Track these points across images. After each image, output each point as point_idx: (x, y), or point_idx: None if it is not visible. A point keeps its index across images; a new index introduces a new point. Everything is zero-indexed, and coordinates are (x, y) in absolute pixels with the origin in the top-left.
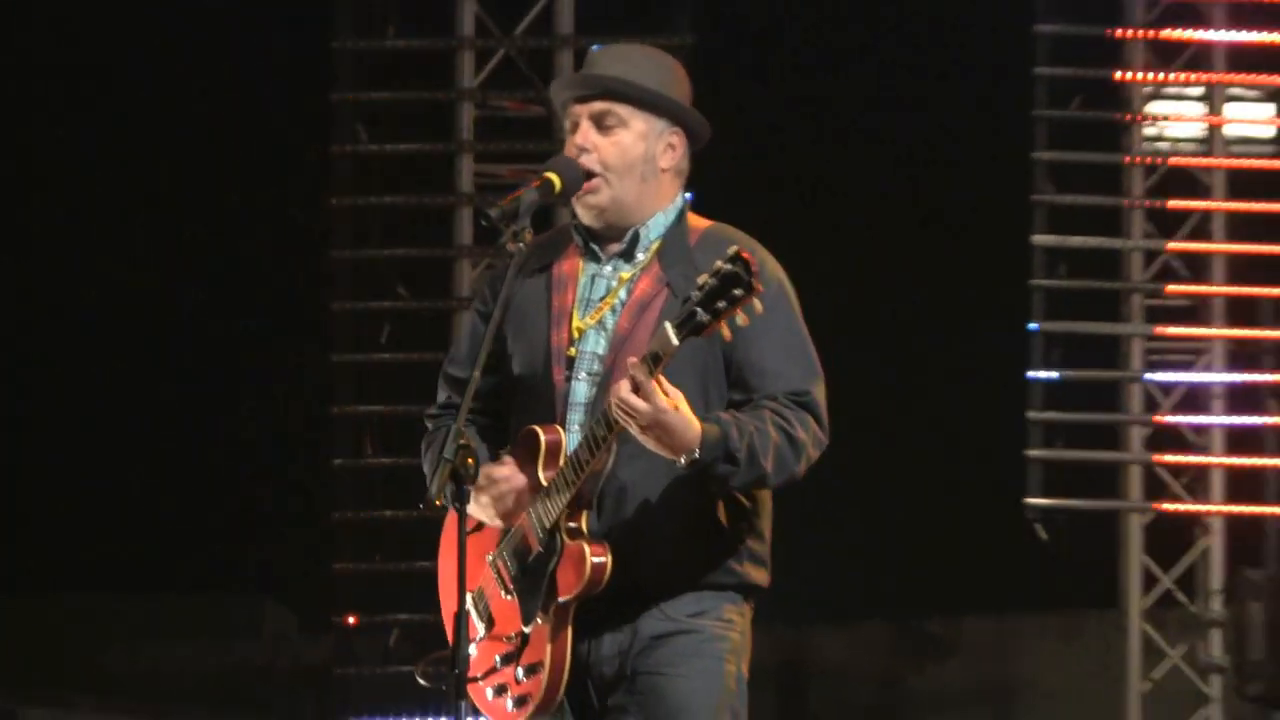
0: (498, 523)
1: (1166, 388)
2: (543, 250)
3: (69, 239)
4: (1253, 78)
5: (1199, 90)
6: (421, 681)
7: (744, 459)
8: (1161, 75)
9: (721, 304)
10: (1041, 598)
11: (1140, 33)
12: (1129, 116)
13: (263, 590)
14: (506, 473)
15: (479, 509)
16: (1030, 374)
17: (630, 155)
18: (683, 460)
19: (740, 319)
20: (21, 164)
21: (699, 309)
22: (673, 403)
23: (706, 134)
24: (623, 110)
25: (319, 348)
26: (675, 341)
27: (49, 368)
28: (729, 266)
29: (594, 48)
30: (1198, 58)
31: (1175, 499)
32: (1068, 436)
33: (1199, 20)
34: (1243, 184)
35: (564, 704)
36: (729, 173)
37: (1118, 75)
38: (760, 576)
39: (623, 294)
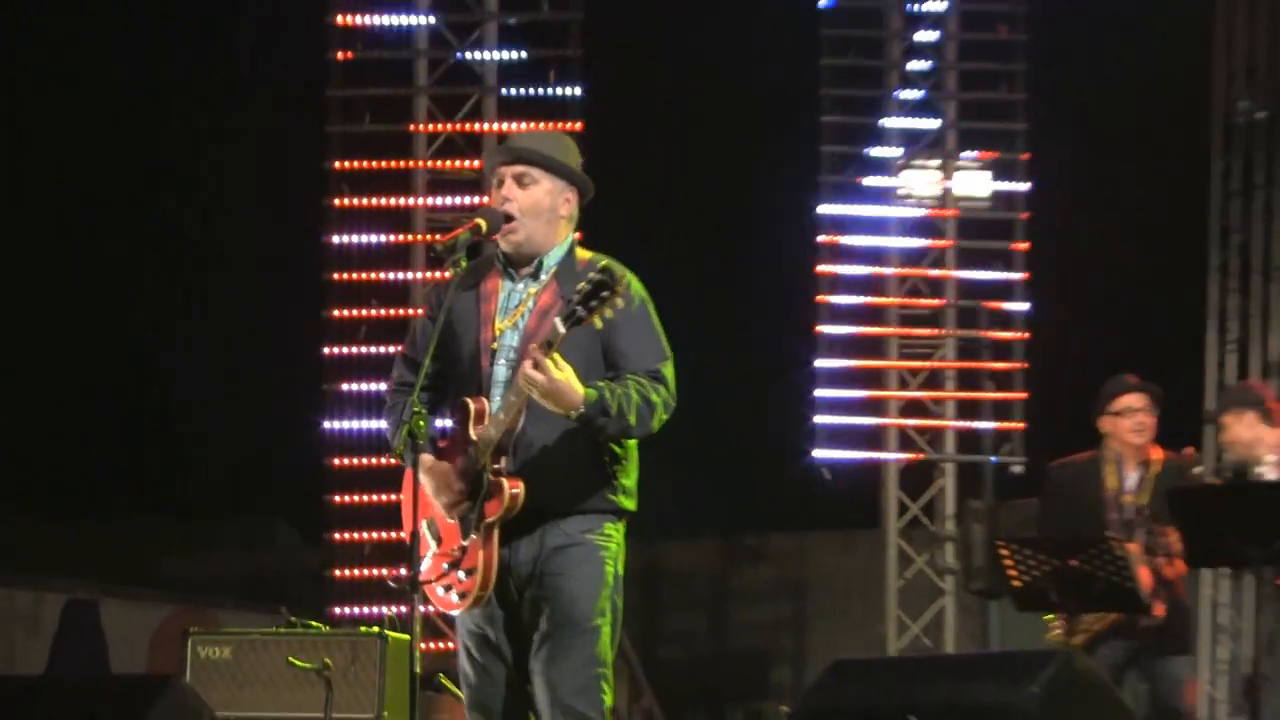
0: (437, 485)
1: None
2: (473, 272)
3: None
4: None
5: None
6: (390, 584)
7: (614, 415)
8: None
9: (594, 303)
10: (827, 520)
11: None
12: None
13: (277, 514)
14: (441, 464)
15: (426, 477)
16: (817, 364)
17: (540, 205)
18: (572, 415)
19: (608, 313)
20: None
21: (578, 307)
22: (563, 374)
23: (591, 193)
24: (536, 172)
25: (316, 344)
26: (562, 330)
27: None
28: (598, 276)
29: (515, 131)
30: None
31: (920, 452)
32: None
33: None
34: None
35: (492, 598)
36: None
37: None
38: (629, 503)
39: (531, 304)
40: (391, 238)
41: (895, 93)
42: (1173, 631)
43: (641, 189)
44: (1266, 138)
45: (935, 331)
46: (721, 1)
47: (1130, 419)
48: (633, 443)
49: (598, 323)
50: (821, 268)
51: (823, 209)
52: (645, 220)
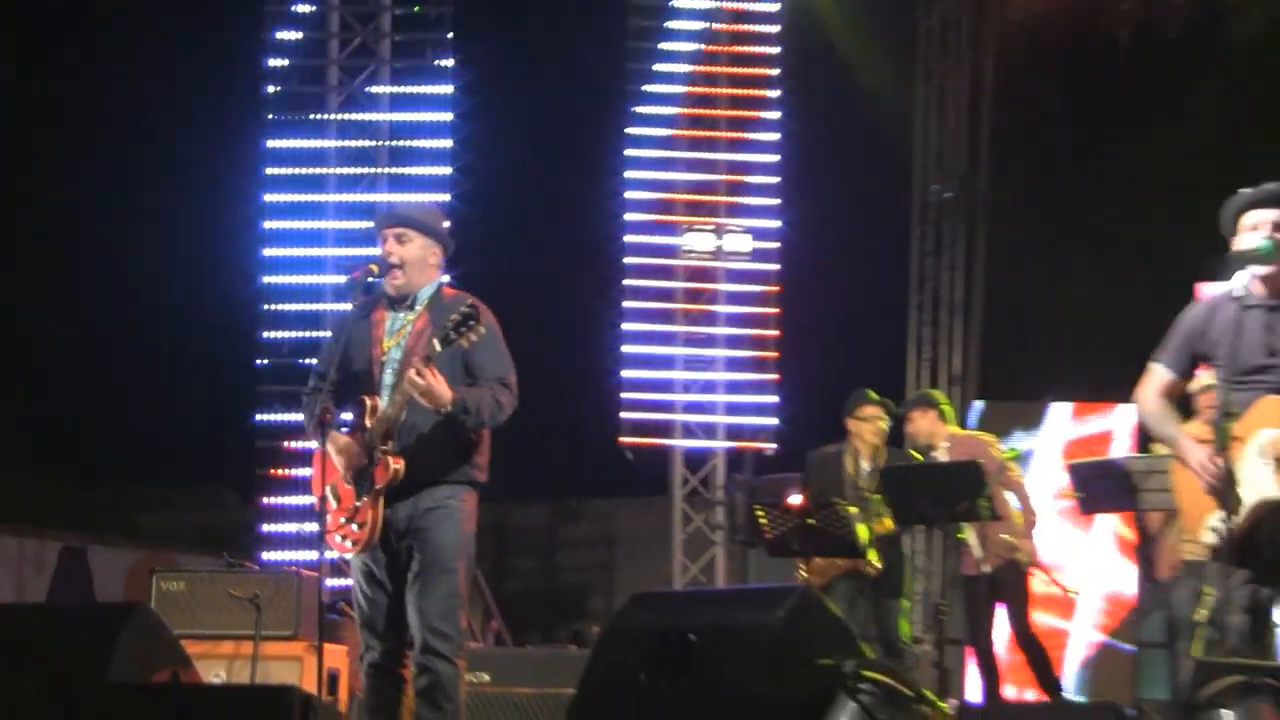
0: (337, 456)
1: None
2: (367, 305)
3: None
4: None
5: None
6: (304, 536)
7: (473, 412)
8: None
9: (462, 330)
10: (631, 490)
11: None
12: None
13: (223, 483)
14: (344, 443)
15: (332, 449)
16: (623, 374)
17: (415, 257)
18: (442, 411)
19: (472, 338)
20: None
21: (450, 332)
22: (437, 381)
23: (451, 249)
24: (411, 233)
25: (252, 361)
26: (438, 349)
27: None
28: (466, 310)
29: (398, 202)
30: None
31: (697, 439)
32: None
33: None
34: None
35: (377, 545)
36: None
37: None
38: (482, 477)
39: (409, 328)
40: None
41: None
42: (889, 579)
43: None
44: (951, 211)
45: (713, 353)
46: None
47: (871, 424)
48: (486, 431)
49: (465, 344)
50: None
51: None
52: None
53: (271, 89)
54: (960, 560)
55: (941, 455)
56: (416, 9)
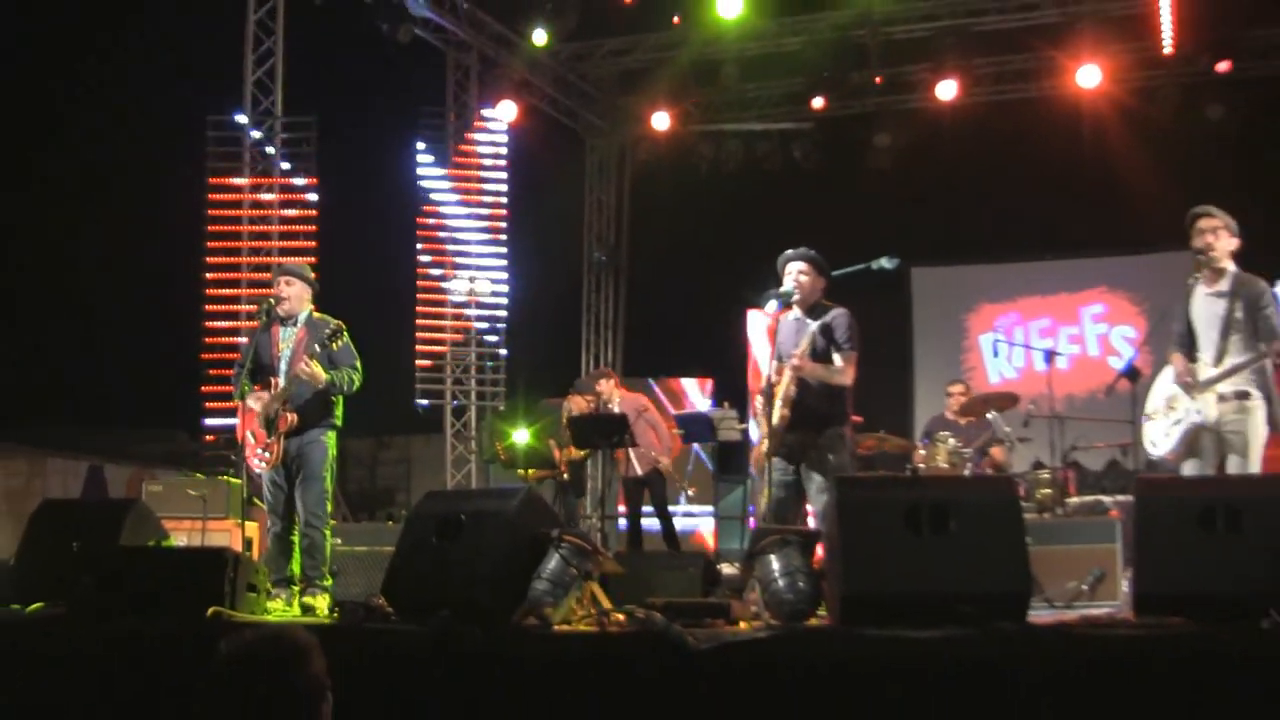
0: (257, 407)
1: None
2: (270, 320)
3: None
4: None
5: None
6: (233, 458)
7: (339, 384)
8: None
9: (333, 339)
10: (424, 427)
11: None
12: None
13: (180, 426)
14: (264, 397)
15: (253, 403)
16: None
17: (299, 294)
18: (319, 385)
19: (339, 343)
20: None
21: (326, 340)
22: (319, 368)
23: (318, 289)
24: (294, 278)
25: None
26: (317, 349)
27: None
28: (335, 326)
29: (289, 266)
30: None
31: (463, 399)
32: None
33: None
34: None
35: (279, 464)
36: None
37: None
38: (338, 423)
39: (293, 337)
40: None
41: None
42: (575, 482)
43: None
44: (606, 268)
45: (444, 338)
46: None
47: (581, 397)
48: (341, 397)
49: (335, 347)
50: None
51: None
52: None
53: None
54: (618, 469)
55: (615, 407)
56: None
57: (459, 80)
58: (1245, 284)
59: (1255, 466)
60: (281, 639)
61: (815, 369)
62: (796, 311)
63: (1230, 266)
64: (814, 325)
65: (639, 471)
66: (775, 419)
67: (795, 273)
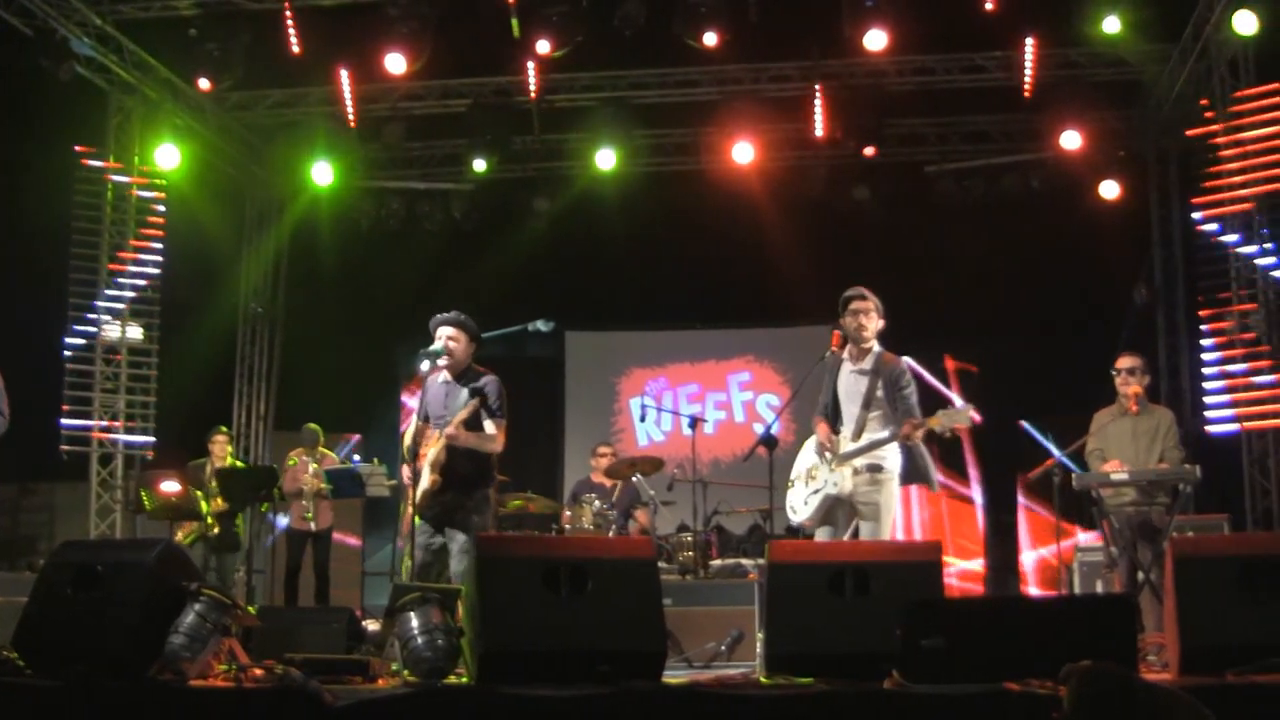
0: None
1: None
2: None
3: None
4: None
5: None
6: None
7: None
8: None
9: None
10: (69, 473)
11: None
12: None
13: None
14: None
15: None
16: None
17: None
18: None
19: None
20: None
21: None
22: None
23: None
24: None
25: None
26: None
27: None
28: None
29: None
30: None
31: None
32: None
33: None
34: None
35: None
36: None
37: None
38: None
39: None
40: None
41: None
42: (225, 537)
43: None
44: (262, 319)
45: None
46: None
47: (220, 446)
48: None
49: None
50: None
51: None
52: None
53: None
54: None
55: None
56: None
57: (119, 123)
58: (887, 364)
59: (885, 535)
60: None
61: (469, 438)
62: (445, 375)
63: (875, 346)
64: (465, 392)
65: (313, 526)
66: (426, 483)
67: (445, 337)
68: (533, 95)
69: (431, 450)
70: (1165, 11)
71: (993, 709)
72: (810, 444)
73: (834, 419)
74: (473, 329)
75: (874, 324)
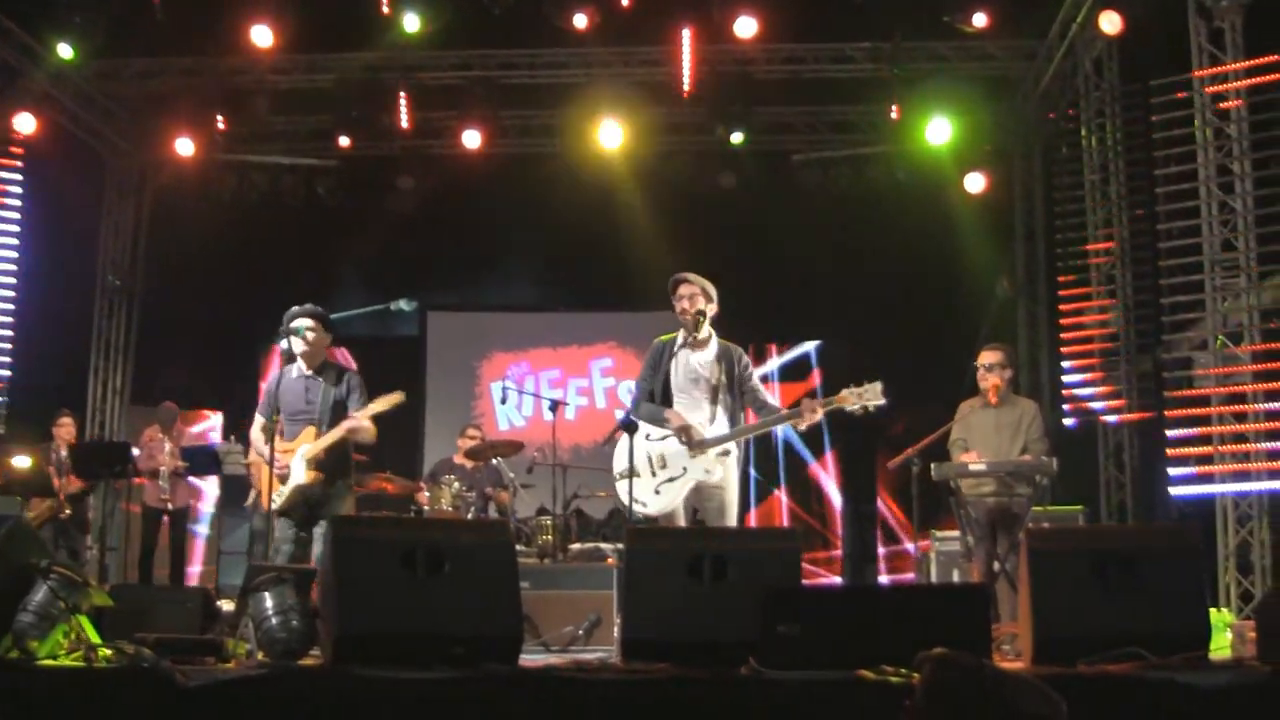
0: None
1: None
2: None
3: None
4: None
5: None
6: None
7: None
8: None
9: None
10: None
11: None
12: None
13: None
14: None
15: None
16: None
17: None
18: None
19: None
20: None
21: None
22: None
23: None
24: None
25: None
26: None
27: None
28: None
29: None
30: None
31: None
32: None
33: None
34: None
35: None
36: None
37: None
38: None
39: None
40: None
41: None
42: (77, 518)
43: None
44: (121, 298)
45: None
46: None
47: (66, 429)
48: None
49: None
50: None
51: None
52: None
53: None
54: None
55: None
56: None
57: None
58: (727, 352)
59: (733, 518)
60: None
61: (362, 433)
62: (301, 368)
63: (710, 332)
64: (333, 390)
65: (169, 505)
66: (304, 479)
67: (303, 329)
68: (399, 73)
69: (305, 445)
70: (1033, 8)
71: (846, 696)
72: (652, 433)
73: (667, 405)
74: (329, 321)
75: (702, 307)
